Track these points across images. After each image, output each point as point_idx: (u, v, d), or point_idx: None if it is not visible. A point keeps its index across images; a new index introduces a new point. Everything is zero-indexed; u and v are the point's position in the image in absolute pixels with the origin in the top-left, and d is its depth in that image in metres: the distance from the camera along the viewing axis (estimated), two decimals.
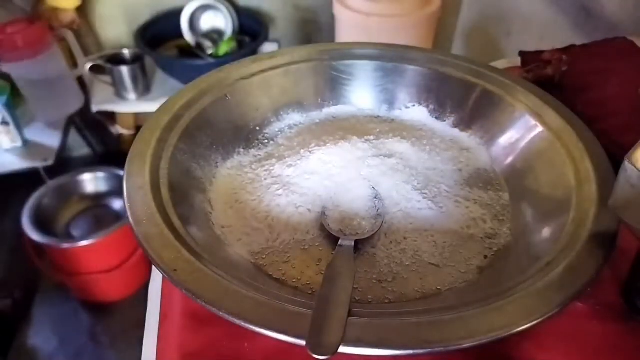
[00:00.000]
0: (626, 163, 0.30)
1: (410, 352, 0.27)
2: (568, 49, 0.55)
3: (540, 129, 0.42)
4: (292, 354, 0.33)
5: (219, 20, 1.28)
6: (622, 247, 0.37)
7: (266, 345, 0.33)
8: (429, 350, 0.27)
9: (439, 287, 0.35)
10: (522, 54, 0.58)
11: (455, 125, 0.49)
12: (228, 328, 0.34)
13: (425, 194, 0.40)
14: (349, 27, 1.07)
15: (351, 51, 0.51)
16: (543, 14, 0.91)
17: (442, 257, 0.37)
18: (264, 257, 0.37)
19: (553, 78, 0.53)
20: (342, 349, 0.26)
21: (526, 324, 0.28)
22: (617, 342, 0.34)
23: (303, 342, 0.26)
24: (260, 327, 0.28)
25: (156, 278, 0.40)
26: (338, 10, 1.05)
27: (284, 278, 0.36)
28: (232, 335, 0.34)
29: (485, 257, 0.38)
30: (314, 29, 1.39)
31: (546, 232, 0.36)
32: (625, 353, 0.34)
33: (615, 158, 0.36)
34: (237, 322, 0.28)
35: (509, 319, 0.28)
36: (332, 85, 0.51)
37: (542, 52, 0.55)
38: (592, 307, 0.35)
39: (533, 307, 0.29)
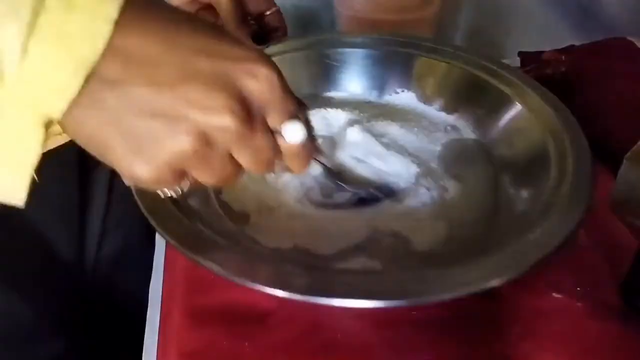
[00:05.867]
0: (626, 163, 0.30)
1: (393, 303, 0.30)
2: (567, 49, 0.55)
3: (519, 107, 0.45)
4: (292, 353, 0.33)
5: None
6: (622, 247, 0.38)
7: (266, 344, 0.34)
8: (409, 301, 0.30)
9: (426, 253, 0.37)
10: (522, 54, 0.58)
11: (442, 109, 0.50)
12: (228, 328, 0.34)
13: (416, 172, 0.42)
14: (350, 28, 1.07)
15: (342, 40, 0.54)
16: (543, 14, 0.91)
17: (432, 231, 0.39)
18: (259, 228, 0.39)
19: (552, 78, 0.53)
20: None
21: (500, 280, 0.30)
22: (617, 342, 0.34)
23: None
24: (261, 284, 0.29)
25: (157, 278, 0.41)
26: (338, 11, 1.05)
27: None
28: (232, 335, 0.34)
29: (472, 226, 0.39)
30: (315, 29, 1.39)
31: (526, 201, 0.39)
32: (625, 353, 0.34)
33: (614, 158, 0.36)
34: (236, 279, 0.30)
35: (485, 275, 0.30)
36: (325, 73, 0.53)
37: (541, 52, 0.56)
38: (592, 307, 0.36)
39: (509, 265, 0.31)
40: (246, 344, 0.34)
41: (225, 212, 0.40)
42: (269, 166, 0.26)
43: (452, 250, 0.37)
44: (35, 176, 0.22)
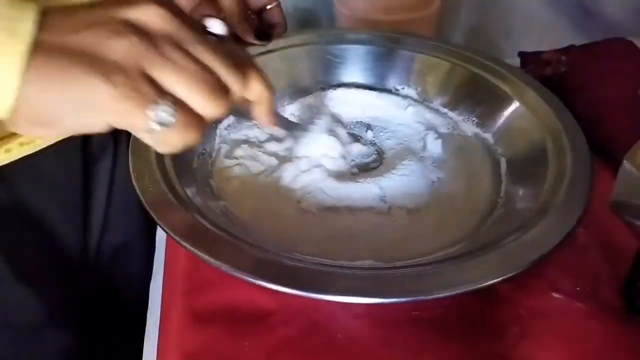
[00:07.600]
0: (625, 163, 0.30)
1: (393, 300, 0.30)
2: (567, 50, 0.55)
3: (517, 104, 0.45)
4: (292, 353, 0.33)
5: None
6: (622, 247, 0.38)
7: (267, 344, 0.34)
8: (406, 298, 0.30)
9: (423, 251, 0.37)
10: (522, 54, 0.58)
11: (443, 106, 0.51)
12: (228, 328, 0.34)
13: (417, 163, 0.43)
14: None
15: (344, 36, 0.55)
16: (543, 15, 0.91)
17: (429, 224, 0.40)
18: (259, 222, 0.40)
19: (552, 78, 0.53)
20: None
21: (497, 279, 0.31)
22: (617, 342, 0.34)
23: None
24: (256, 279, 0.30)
25: (157, 278, 0.41)
26: (338, 11, 1.05)
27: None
28: (232, 335, 0.34)
29: (470, 224, 0.39)
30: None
31: (525, 198, 0.39)
32: (625, 353, 0.34)
33: (614, 158, 0.36)
34: (234, 273, 0.30)
35: (482, 274, 0.31)
36: (325, 68, 0.53)
37: (541, 52, 0.56)
38: (592, 307, 0.36)
39: (506, 264, 0.31)
40: (246, 344, 0.34)
41: (225, 210, 0.40)
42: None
43: (448, 247, 0.37)
44: None
